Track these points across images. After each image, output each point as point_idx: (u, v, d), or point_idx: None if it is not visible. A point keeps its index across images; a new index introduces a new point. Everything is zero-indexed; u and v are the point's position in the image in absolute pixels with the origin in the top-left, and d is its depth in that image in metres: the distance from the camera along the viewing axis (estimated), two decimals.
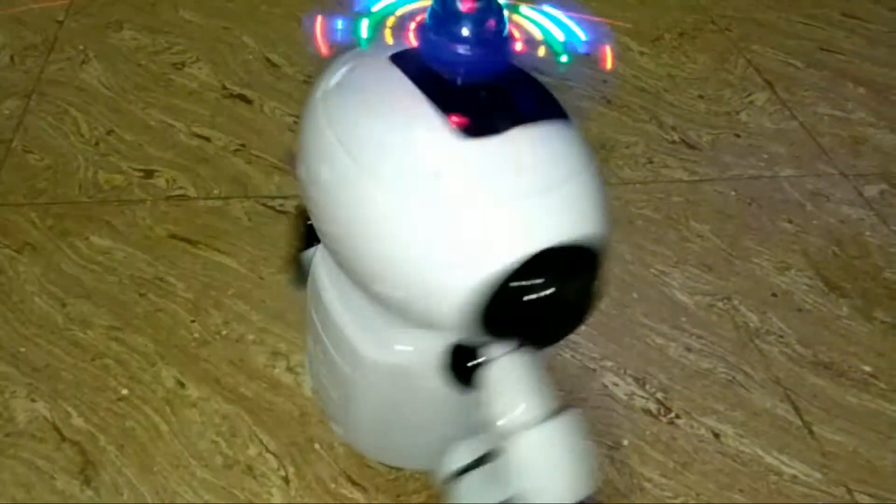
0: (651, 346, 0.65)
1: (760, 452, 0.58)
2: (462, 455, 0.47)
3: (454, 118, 0.35)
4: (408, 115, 0.35)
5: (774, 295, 0.71)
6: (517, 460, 0.39)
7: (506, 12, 0.36)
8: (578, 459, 0.39)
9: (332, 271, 0.45)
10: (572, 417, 0.40)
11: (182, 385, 0.59)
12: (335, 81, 0.38)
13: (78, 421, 0.56)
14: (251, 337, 0.63)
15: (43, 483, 0.53)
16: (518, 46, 0.36)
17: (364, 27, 0.36)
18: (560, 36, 0.38)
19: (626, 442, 0.58)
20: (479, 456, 0.47)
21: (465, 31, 0.35)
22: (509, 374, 0.40)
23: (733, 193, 0.82)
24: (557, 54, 0.38)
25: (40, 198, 0.75)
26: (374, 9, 0.36)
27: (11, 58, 0.92)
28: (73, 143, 0.81)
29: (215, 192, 0.76)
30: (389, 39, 0.36)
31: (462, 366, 0.41)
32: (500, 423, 0.39)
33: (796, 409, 0.61)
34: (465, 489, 0.46)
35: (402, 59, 0.37)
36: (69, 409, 0.57)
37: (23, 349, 0.61)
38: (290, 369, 0.60)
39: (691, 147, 0.88)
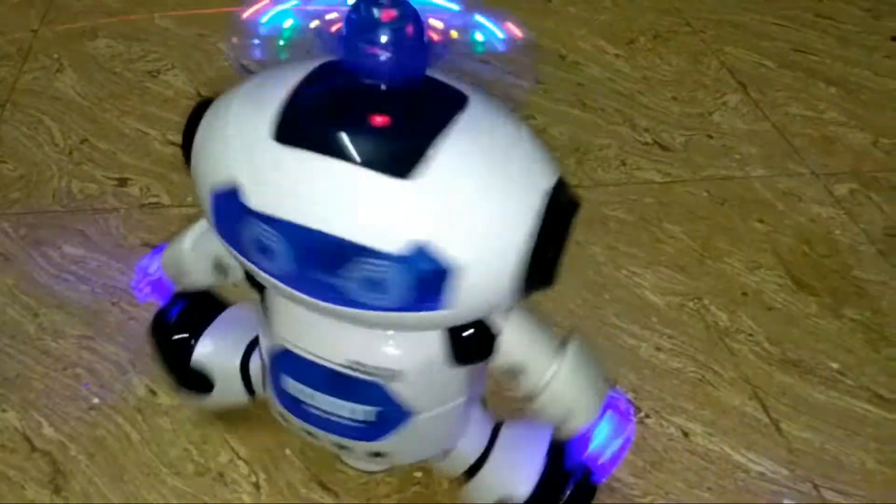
0: (622, 346, 0.66)
1: (728, 450, 0.58)
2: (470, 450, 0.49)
3: None
4: None
5: (745, 294, 0.72)
6: (550, 399, 0.43)
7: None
8: (597, 375, 0.45)
9: None
10: (579, 341, 0.44)
11: (154, 393, 0.59)
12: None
13: (49, 430, 0.57)
14: None
15: (13, 493, 0.53)
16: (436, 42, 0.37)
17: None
18: (479, 35, 0.39)
19: None
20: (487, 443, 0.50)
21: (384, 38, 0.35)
22: (522, 330, 0.43)
23: (706, 194, 0.83)
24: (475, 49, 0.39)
25: (13, 207, 0.75)
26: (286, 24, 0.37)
27: None
28: (47, 153, 0.81)
29: (189, 199, 0.76)
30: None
31: (476, 343, 0.42)
32: (540, 373, 0.43)
33: (764, 406, 0.62)
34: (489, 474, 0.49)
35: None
36: (40, 418, 0.57)
37: None
38: None
39: (664, 148, 0.89)
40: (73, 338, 0.63)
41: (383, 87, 0.36)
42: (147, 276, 0.53)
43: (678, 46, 1.07)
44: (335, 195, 0.35)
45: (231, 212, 0.37)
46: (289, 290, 0.39)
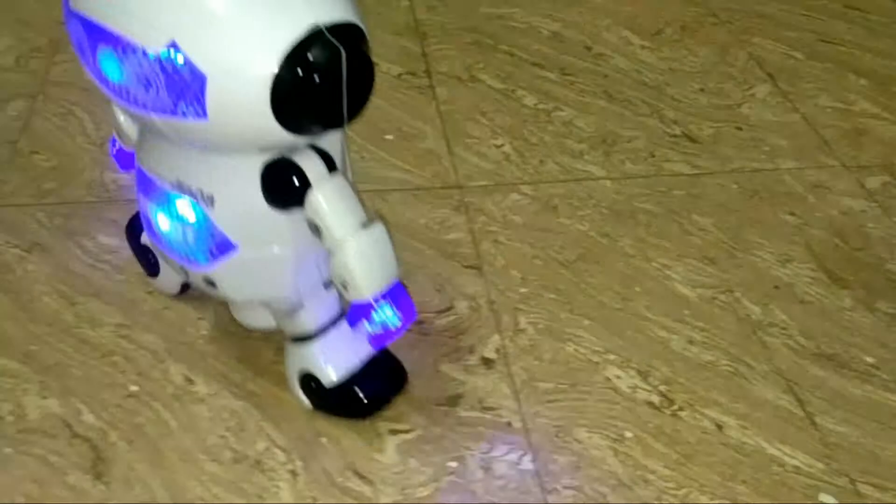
0: (654, 339, 0.66)
1: (763, 443, 0.58)
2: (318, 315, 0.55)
3: None
4: None
5: (777, 287, 0.71)
6: (336, 264, 0.48)
7: None
8: (384, 262, 0.49)
9: None
10: (381, 228, 0.49)
11: (191, 381, 0.60)
12: None
13: (89, 417, 0.57)
14: (258, 333, 0.63)
15: (55, 478, 0.54)
16: None
17: None
18: None
19: (629, 434, 0.58)
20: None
21: None
22: (333, 193, 0.47)
23: (735, 186, 0.82)
24: None
25: (48, 198, 0.75)
26: None
27: (17, 59, 0.93)
28: (79, 144, 0.82)
29: None
30: None
31: (286, 187, 0.47)
32: (334, 237, 0.47)
33: (799, 400, 0.61)
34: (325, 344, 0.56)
35: None
36: (80, 405, 0.58)
37: (34, 347, 0.62)
38: None
39: (693, 140, 0.89)
40: (109, 326, 0.64)
41: None
42: (113, 145, 0.63)
43: (705, 37, 1.06)
44: None
45: (66, 12, 0.44)
46: (106, 91, 0.45)
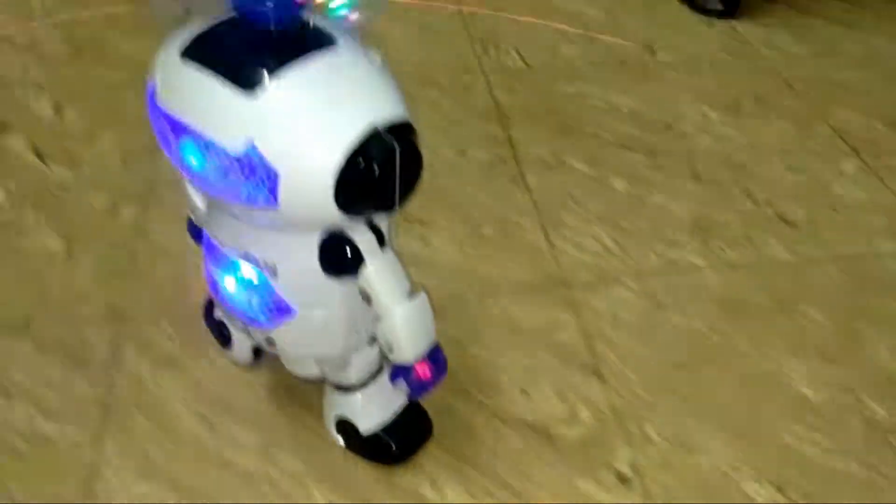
0: (782, 445, 0.66)
1: None
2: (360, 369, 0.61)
3: None
4: None
5: None
6: (383, 329, 0.54)
7: None
8: (426, 329, 0.55)
9: None
10: (424, 298, 0.54)
11: None
12: None
13: None
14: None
15: None
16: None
17: None
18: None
19: None
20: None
21: None
22: (384, 266, 0.53)
23: (838, 273, 0.83)
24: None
25: (171, 308, 0.77)
26: None
27: (123, 159, 0.96)
28: (194, 248, 0.84)
29: None
30: None
31: (342, 259, 0.52)
32: (383, 305, 0.53)
33: None
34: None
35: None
36: None
37: (177, 472, 0.63)
38: (433, 485, 0.62)
39: (788, 223, 0.89)
40: (248, 448, 0.65)
41: (272, 28, 0.47)
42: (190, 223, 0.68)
43: (783, 110, 1.07)
44: (201, 98, 0.47)
45: (151, 106, 0.50)
46: (186, 176, 0.51)
